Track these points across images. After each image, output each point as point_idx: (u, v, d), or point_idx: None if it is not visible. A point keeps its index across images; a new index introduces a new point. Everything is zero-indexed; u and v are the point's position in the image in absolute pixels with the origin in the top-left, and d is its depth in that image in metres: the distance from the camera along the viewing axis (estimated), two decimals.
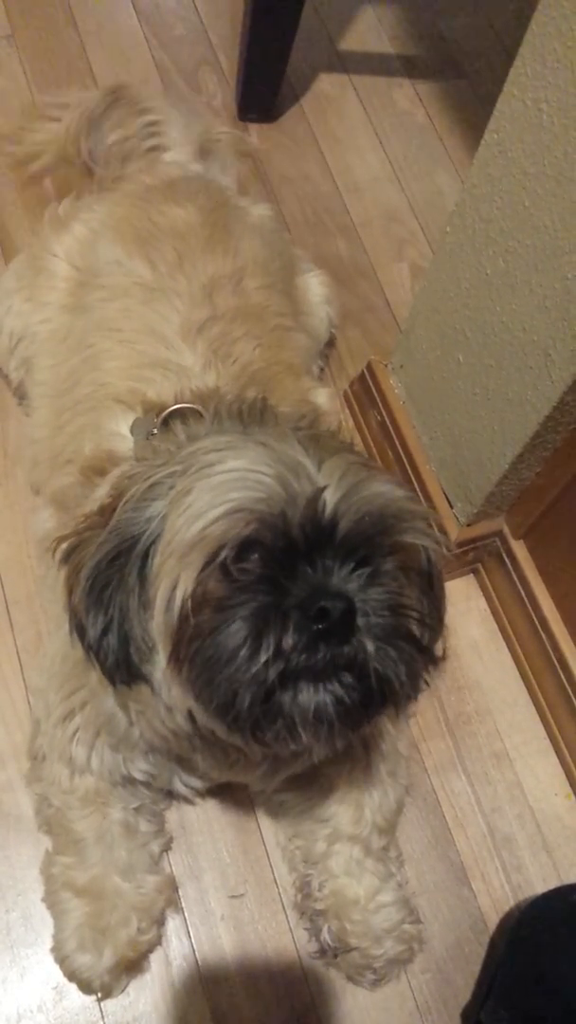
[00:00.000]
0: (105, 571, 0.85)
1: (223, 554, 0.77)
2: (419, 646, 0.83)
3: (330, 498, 0.78)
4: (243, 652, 0.75)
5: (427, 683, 0.84)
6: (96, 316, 1.27)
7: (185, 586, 0.79)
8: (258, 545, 0.77)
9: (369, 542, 0.79)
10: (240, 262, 1.31)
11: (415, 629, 0.83)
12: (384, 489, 0.81)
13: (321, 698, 0.77)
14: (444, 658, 0.88)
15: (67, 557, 0.90)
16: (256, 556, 0.77)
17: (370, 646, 0.78)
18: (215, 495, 0.79)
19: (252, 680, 0.75)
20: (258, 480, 0.78)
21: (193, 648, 0.79)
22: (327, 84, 2.11)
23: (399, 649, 0.79)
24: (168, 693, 0.85)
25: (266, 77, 1.94)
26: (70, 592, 0.88)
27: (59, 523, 1.19)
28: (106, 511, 0.89)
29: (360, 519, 0.78)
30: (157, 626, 0.83)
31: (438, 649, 0.88)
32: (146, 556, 0.84)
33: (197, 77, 2.06)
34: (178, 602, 0.79)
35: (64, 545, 0.90)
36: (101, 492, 1.05)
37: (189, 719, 0.86)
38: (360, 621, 0.78)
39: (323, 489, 0.78)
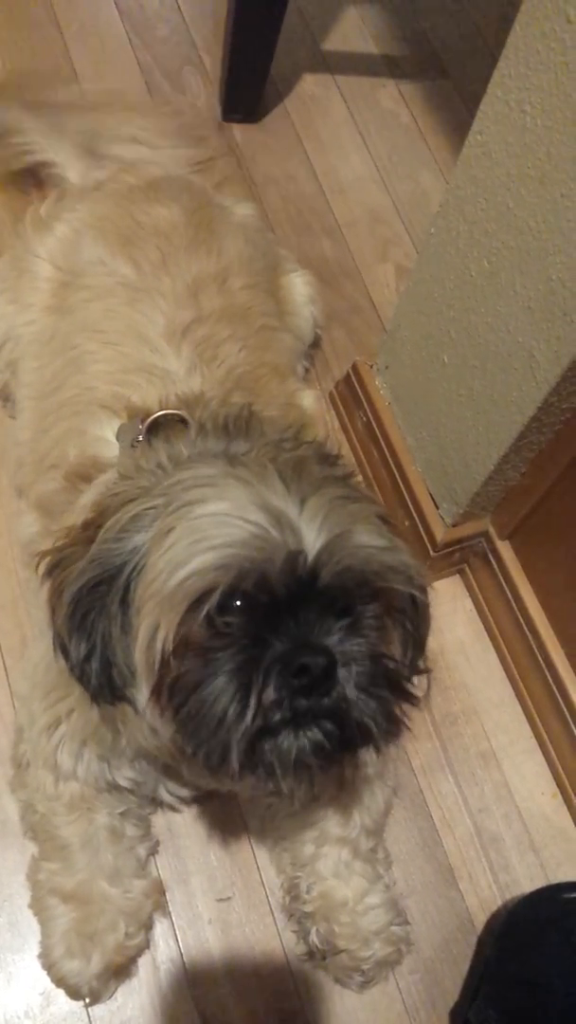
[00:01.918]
0: (87, 597, 0.85)
1: (205, 605, 0.78)
2: (399, 690, 0.85)
3: (311, 550, 0.78)
4: (229, 712, 0.77)
5: (407, 727, 0.87)
6: (80, 317, 1.27)
7: (166, 631, 0.80)
8: (240, 594, 0.78)
9: (350, 594, 0.81)
10: (225, 261, 1.30)
11: (395, 673, 0.85)
12: (365, 540, 0.81)
13: (301, 743, 0.79)
14: (426, 697, 0.90)
15: (50, 572, 0.90)
16: (238, 605, 0.78)
17: (351, 695, 0.80)
18: (196, 540, 0.79)
19: (235, 737, 0.78)
20: (239, 528, 0.78)
21: (176, 699, 0.81)
22: (311, 84, 2.10)
23: (379, 697, 0.82)
24: (151, 717, 0.86)
25: (250, 77, 1.93)
26: (53, 612, 0.88)
27: (43, 528, 1.19)
28: (89, 527, 0.89)
29: (341, 573, 0.79)
30: (138, 659, 0.83)
31: (420, 688, 0.91)
32: (128, 586, 0.85)
33: (181, 77, 2.05)
34: (159, 644, 0.80)
35: (47, 560, 0.90)
36: (86, 499, 1.05)
37: (172, 742, 0.87)
38: (341, 672, 0.79)
39: (300, 552, 0.78)
